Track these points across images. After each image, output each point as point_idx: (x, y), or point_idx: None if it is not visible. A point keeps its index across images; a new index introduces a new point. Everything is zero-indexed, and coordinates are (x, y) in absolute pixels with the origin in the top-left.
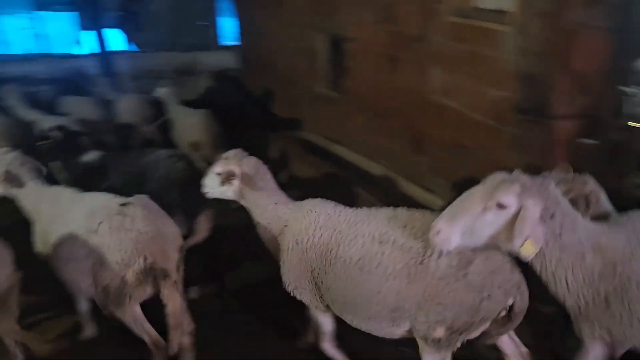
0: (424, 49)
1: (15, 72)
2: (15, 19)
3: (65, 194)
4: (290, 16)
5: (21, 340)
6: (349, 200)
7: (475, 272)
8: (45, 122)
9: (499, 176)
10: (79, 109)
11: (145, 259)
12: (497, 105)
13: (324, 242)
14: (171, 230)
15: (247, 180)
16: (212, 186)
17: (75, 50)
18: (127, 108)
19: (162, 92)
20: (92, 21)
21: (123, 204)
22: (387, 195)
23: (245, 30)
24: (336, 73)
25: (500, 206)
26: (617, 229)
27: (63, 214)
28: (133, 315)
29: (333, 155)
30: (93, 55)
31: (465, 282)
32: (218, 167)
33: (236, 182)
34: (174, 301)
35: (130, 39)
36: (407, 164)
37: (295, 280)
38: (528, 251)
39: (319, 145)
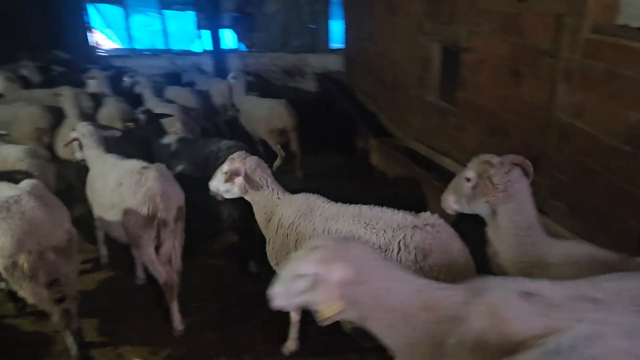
0: (552, 64)
1: (136, 65)
2: (140, 16)
3: (115, 161)
4: (403, 22)
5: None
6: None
7: (432, 264)
8: (159, 108)
9: (312, 241)
10: (181, 97)
11: (149, 208)
12: (636, 129)
13: (301, 230)
14: (174, 191)
15: (250, 176)
16: (218, 186)
17: (192, 48)
18: (216, 91)
19: (231, 78)
20: (208, 21)
21: (144, 167)
22: None
23: (351, 34)
24: (448, 83)
25: (302, 275)
26: (457, 288)
27: (110, 174)
28: (148, 256)
29: (438, 166)
30: (207, 52)
31: (423, 273)
32: (225, 167)
33: (240, 179)
34: (167, 243)
35: (241, 39)
36: None
37: (277, 256)
38: (327, 313)
39: (422, 155)
